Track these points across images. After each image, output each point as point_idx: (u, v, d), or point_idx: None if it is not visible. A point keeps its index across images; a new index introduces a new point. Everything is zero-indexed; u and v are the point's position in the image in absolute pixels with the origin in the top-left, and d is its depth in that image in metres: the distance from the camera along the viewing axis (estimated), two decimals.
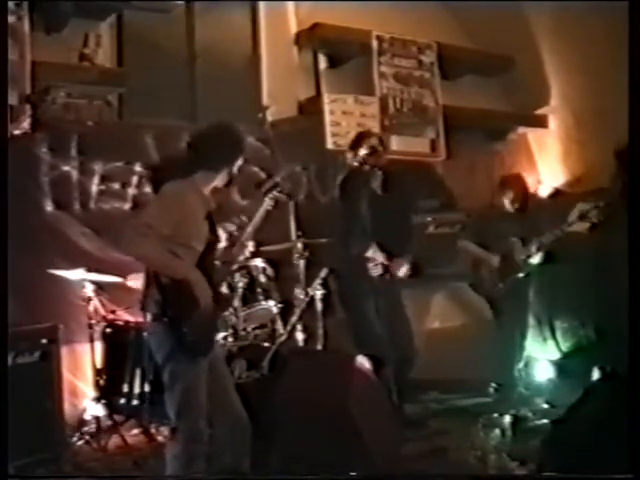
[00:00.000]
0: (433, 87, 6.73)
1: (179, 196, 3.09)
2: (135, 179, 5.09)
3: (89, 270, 4.37)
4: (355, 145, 4.72)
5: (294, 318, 4.80)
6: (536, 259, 5.00)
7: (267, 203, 3.77)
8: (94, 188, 4.95)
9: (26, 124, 4.59)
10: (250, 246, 3.54)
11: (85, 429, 4.25)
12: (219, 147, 3.17)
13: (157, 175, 4.83)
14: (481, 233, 5.19)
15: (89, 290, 4.37)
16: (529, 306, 5.19)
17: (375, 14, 6.35)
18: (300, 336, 4.94)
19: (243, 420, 3.21)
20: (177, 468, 3.00)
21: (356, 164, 4.64)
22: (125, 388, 4.27)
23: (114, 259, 4.62)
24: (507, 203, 5.18)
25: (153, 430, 4.26)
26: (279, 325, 4.86)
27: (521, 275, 5.03)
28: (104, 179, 4.97)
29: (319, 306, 5.02)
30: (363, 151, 4.63)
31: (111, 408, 4.27)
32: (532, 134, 7.38)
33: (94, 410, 4.31)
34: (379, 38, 6.46)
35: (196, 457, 3.00)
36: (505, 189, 5.23)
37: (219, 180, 3.20)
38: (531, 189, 5.65)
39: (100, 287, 4.45)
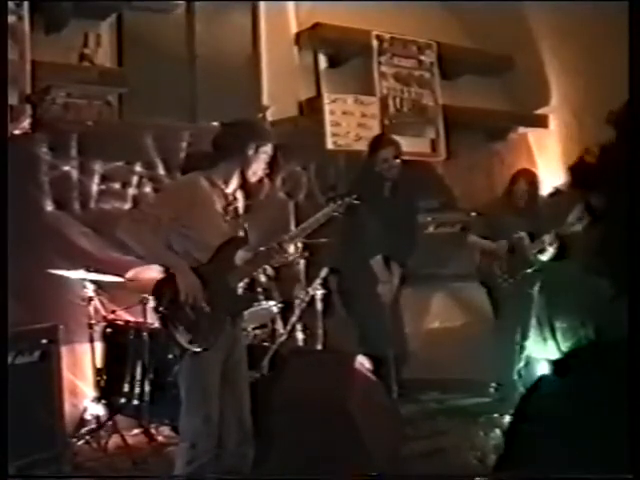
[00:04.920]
0: (433, 87, 6.72)
1: (186, 187, 3.11)
2: (135, 179, 5.09)
3: (89, 270, 4.37)
4: (374, 150, 4.71)
5: (294, 318, 4.79)
6: (549, 252, 4.93)
7: (332, 208, 3.41)
8: (94, 188, 4.94)
9: (26, 124, 4.58)
10: (291, 248, 3.26)
11: (85, 429, 4.25)
12: (233, 137, 3.20)
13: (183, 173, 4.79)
14: (489, 228, 5.15)
15: (89, 290, 4.38)
16: (533, 306, 5.18)
17: (375, 14, 6.34)
18: (300, 336, 4.94)
19: (247, 422, 3.21)
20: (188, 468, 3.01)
21: (377, 170, 4.64)
22: (125, 388, 4.26)
23: (114, 259, 4.63)
24: (516, 197, 5.15)
25: (153, 430, 4.27)
26: (279, 325, 4.86)
27: (530, 270, 4.98)
28: (104, 179, 4.96)
29: (319, 306, 5.02)
30: (382, 160, 4.64)
31: (111, 408, 4.28)
32: (532, 134, 7.37)
33: (94, 410, 4.32)
34: (379, 38, 6.46)
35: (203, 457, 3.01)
36: (515, 184, 5.20)
37: (236, 166, 3.16)
38: (540, 185, 5.62)
39: (100, 287, 4.45)
